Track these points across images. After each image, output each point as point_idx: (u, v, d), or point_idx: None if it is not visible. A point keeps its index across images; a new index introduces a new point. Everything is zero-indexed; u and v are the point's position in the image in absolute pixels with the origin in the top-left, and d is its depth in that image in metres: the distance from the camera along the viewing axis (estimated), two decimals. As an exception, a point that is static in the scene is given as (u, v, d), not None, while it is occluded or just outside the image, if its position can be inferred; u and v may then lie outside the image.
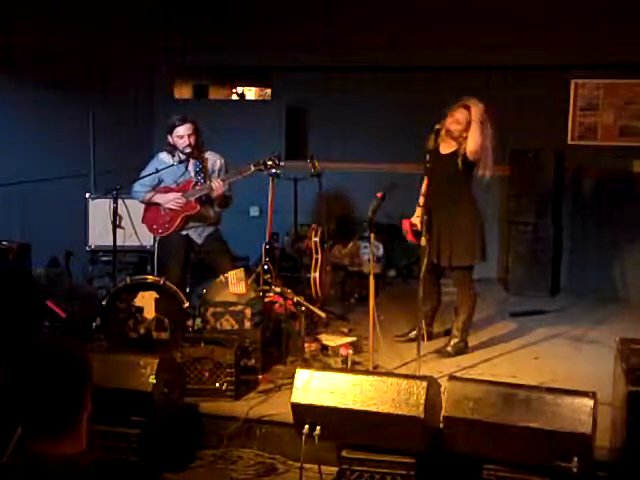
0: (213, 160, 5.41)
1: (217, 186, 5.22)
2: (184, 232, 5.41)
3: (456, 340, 5.16)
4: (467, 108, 4.93)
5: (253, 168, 5.25)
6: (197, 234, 5.43)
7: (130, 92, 7.45)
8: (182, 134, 5.23)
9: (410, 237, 5.24)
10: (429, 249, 4.77)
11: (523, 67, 6.99)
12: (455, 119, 4.95)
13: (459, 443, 3.46)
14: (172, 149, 5.32)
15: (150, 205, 5.39)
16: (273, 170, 5.31)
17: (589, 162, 7.04)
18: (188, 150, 5.27)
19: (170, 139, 5.30)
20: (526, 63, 6.93)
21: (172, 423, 4.01)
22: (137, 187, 5.36)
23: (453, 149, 5.01)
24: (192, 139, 5.26)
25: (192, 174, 5.38)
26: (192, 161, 5.37)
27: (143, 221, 5.45)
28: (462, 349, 5.18)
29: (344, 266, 6.94)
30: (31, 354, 1.83)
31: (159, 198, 5.34)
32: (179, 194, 5.29)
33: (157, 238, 5.62)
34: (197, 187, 5.30)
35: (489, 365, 4.95)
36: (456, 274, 5.16)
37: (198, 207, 5.31)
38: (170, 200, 5.30)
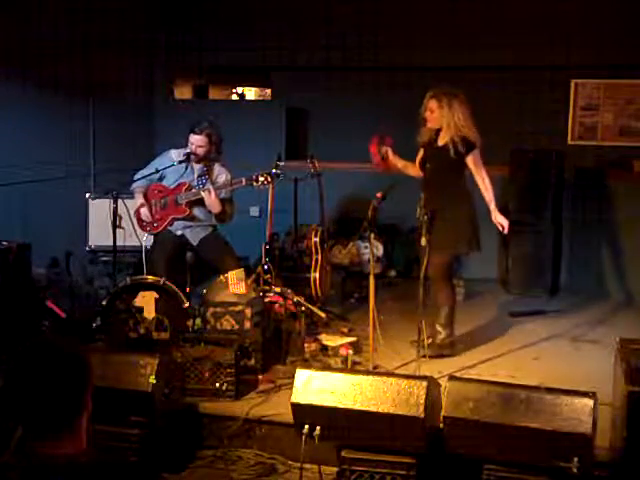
0: (218, 172, 5.43)
1: (207, 196, 5.24)
2: (179, 232, 5.42)
3: (441, 337, 5.07)
4: (433, 97, 5.00)
5: (245, 182, 5.28)
6: (192, 234, 5.43)
7: (130, 92, 7.45)
8: (193, 142, 5.30)
9: (376, 159, 5.23)
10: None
11: (523, 67, 6.99)
12: (428, 108, 5.02)
13: (459, 443, 3.46)
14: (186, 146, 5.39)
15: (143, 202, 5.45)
16: (266, 184, 5.31)
17: (589, 162, 7.04)
18: (193, 157, 5.32)
19: (189, 137, 5.36)
20: (526, 63, 6.93)
21: (172, 423, 4.01)
22: (137, 176, 5.44)
23: (446, 140, 4.97)
24: (201, 151, 5.30)
25: (194, 177, 5.39)
26: (197, 165, 5.39)
27: (134, 215, 5.50)
28: (447, 347, 5.08)
29: (344, 266, 6.94)
30: (31, 354, 1.83)
31: (140, 199, 5.39)
32: (149, 213, 5.35)
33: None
34: (191, 191, 5.31)
35: (489, 365, 4.94)
36: (434, 263, 4.89)
37: (187, 211, 5.34)
38: (142, 212, 5.37)
